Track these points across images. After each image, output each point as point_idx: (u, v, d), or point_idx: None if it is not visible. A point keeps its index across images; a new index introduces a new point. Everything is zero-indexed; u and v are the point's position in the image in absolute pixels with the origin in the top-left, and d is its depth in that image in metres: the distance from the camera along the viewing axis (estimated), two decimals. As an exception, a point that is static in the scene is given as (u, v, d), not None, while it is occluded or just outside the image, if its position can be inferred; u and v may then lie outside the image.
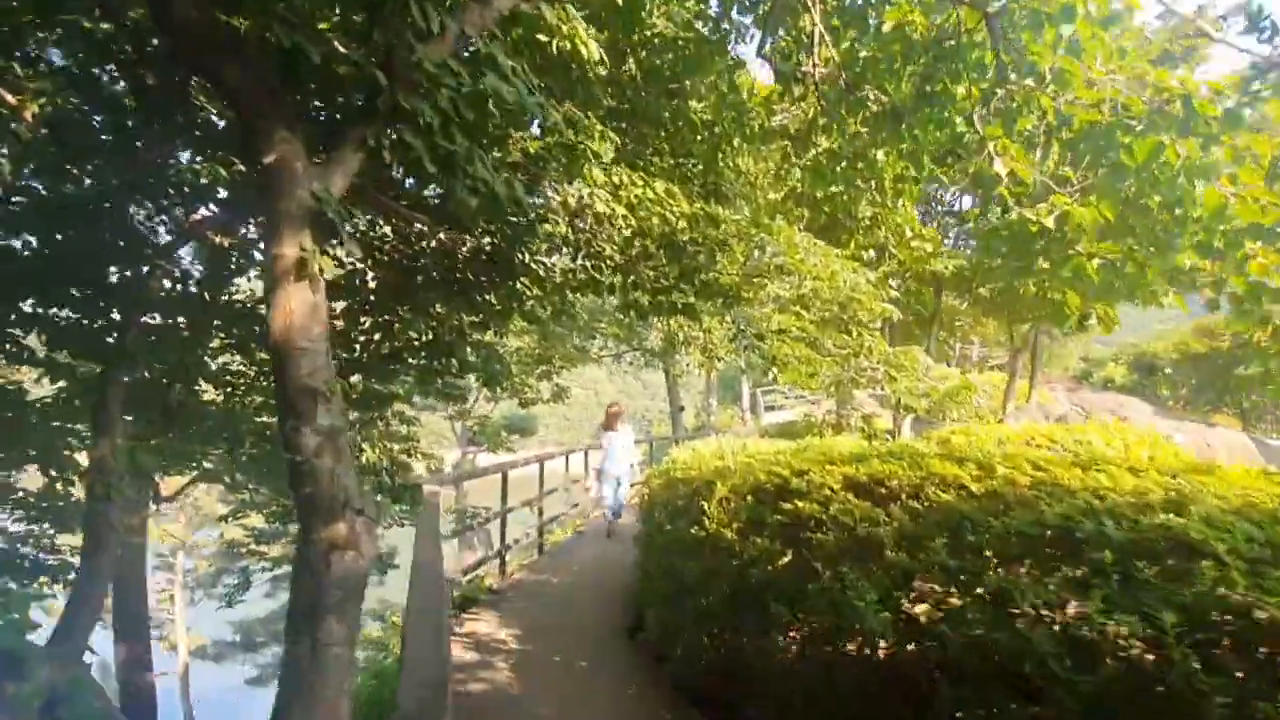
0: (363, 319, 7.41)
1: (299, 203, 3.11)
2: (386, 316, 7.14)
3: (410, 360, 7.70)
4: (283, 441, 3.19)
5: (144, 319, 6.57)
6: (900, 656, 3.72)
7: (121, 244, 6.26)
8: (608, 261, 5.71)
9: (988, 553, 3.43)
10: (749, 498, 5.32)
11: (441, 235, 6.92)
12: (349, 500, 3.11)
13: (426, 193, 6.94)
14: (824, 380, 7.21)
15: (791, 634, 4.41)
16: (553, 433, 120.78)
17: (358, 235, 6.98)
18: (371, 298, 7.42)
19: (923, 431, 17.66)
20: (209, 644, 34.01)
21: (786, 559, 4.54)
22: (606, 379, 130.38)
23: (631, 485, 13.13)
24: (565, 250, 6.11)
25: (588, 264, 5.94)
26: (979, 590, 3.31)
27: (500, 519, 9.54)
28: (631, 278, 5.70)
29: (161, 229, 6.65)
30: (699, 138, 5.87)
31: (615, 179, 5.12)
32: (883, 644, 3.81)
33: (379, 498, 8.29)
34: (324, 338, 3.24)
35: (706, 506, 5.64)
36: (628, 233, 5.34)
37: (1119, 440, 7.60)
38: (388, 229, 7.29)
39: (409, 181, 7.12)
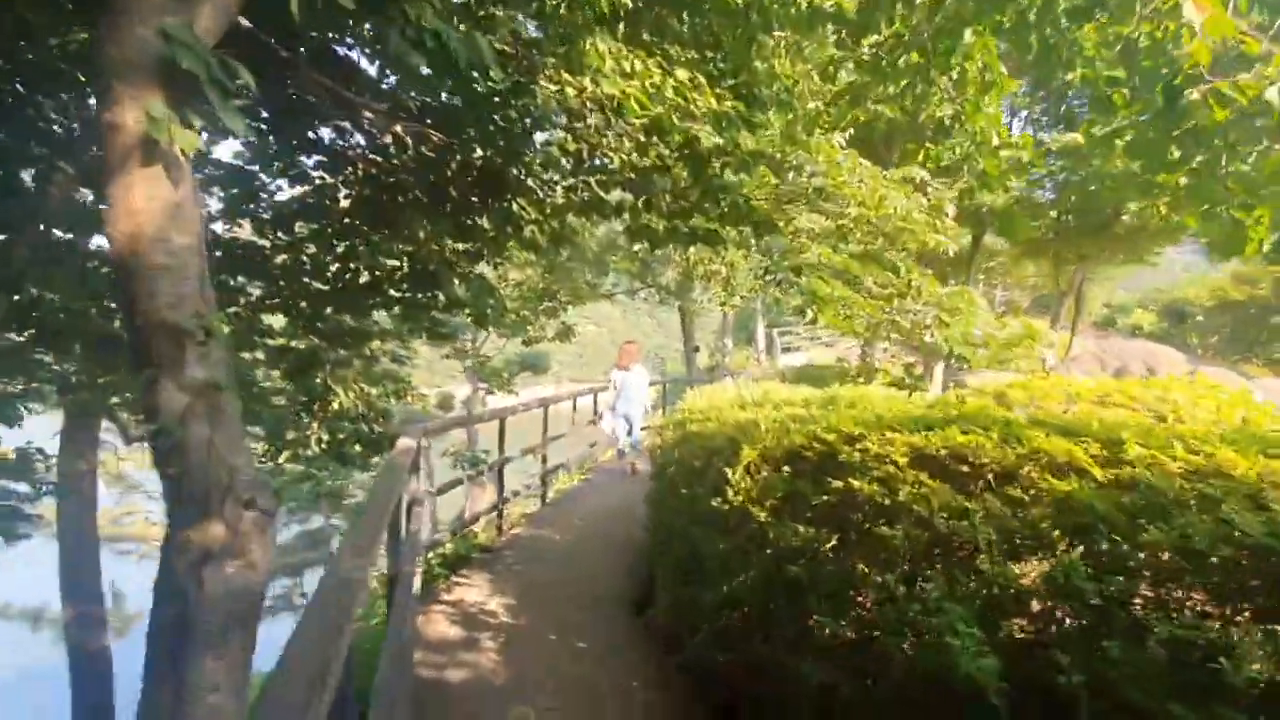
0: (336, 243, 6.40)
1: (142, 46, 2.08)
2: (361, 242, 6.13)
3: (392, 293, 6.73)
4: (143, 402, 2.23)
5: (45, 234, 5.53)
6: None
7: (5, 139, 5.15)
8: (615, 177, 4.66)
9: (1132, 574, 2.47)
10: (784, 468, 4.35)
11: (424, 147, 5.87)
12: (233, 486, 2.18)
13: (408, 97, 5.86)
14: (864, 324, 6.19)
15: (840, 647, 3.49)
16: (567, 369, 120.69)
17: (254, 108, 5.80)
18: (345, 220, 6.39)
19: (954, 381, 16.63)
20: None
21: (835, 553, 3.60)
22: (620, 316, 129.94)
23: (644, 428, 12.41)
24: (565, 162, 5.05)
25: (591, 180, 4.88)
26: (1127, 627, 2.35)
27: (498, 470, 8.66)
28: (644, 198, 4.66)
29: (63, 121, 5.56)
30: (730, 24, 4.71)
31: (626, 64, 4.04)
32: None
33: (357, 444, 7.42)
34: (194, 252, 2.24)
35: (730, 474, 4.69)
36: (640, 135, 4.29)
37: (1209, 399, 6.56)
38: (360, 138, 6.22)
39: (386, 82, 6.05)
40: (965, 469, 3.40)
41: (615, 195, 5.01)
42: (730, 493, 4.55)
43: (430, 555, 7.44)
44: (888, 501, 3.31)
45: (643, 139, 4.27)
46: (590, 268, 17.33)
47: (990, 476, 3.24)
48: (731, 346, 31.95)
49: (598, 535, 8.84)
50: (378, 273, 6.66)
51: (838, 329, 6.39)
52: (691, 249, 8.91)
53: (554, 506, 10.48)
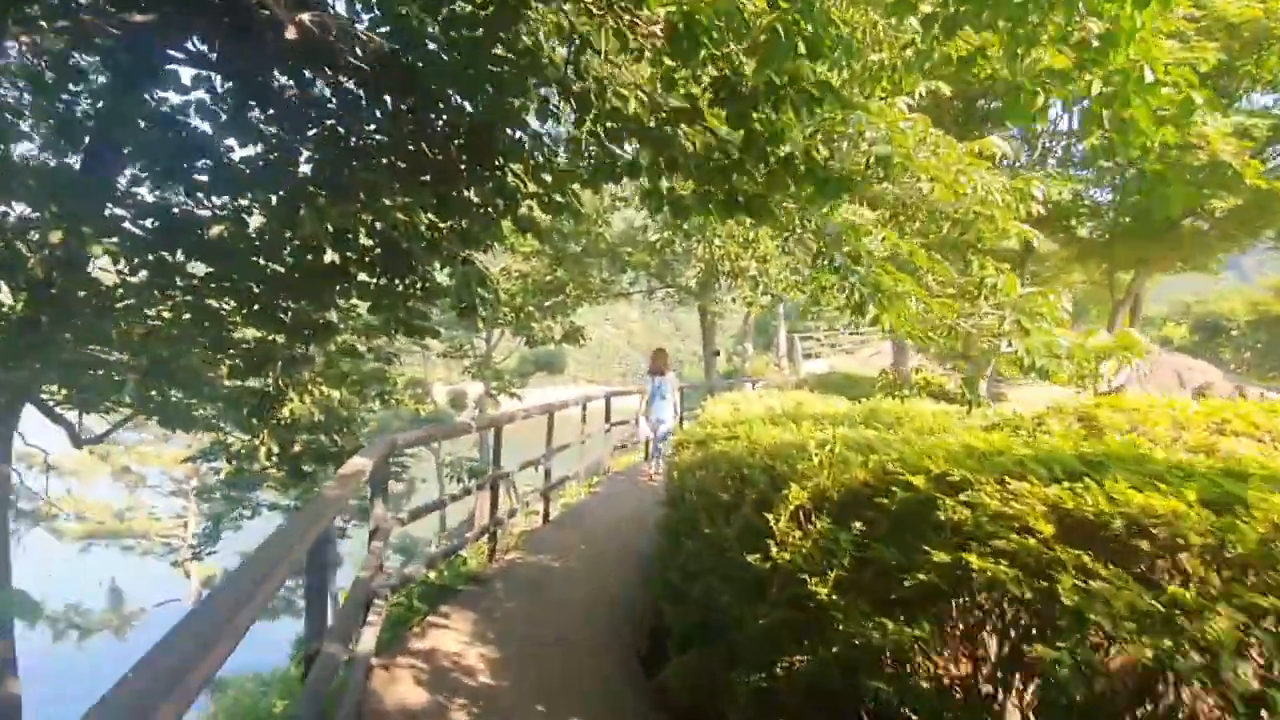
0: (296, 216, 5.32)
1: None
2: (319, 214, 5.04)
3: (363, 277, 5.65)
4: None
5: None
6: None
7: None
8: (630, 124, 3.55)
9: None
10: (851, 521, 3.21)
11: (400, 100, 4.80)
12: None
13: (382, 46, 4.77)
14: (936, 329, 5.02)
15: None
16: (583, 369, 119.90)
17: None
18: (308, 189, 5.31)
19: (996, 395, 15.34)
20: (219, 573, 33.38)
21: (951, 665, 2.46)
22: (638, 318, 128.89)
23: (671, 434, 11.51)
24: (567, 106, 3.94)
25: (600, 129, 3.75)
26: None
27: (490, 486, 7.56)
28: (665, 154, 3.54)
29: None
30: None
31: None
32: None
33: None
34: None
35: (771, 520, 3.56)
36: (663, 62, 3.19)
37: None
38: (325, 88, 5.14)
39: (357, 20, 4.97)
40: (1146, 545, 2.24)
41: (627, 153, 3.90)
42: (773, 547, 3.42)
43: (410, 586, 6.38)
44: (1037, 601, 2.16)
45: (667, 62, 3.17)
46: (605, 263, 16.20)
47: (1202, 566, 2.08)
48: (752, 351, 30.76)
49: (604, 562, 7.72)
50: (349, 254, 5.58)
51: (906, 335, 5.23)
52: (717, 240, 7.78)
53: (557, 525, 9.37)
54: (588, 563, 7.67)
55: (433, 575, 6.75)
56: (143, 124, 4.92)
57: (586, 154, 4.00)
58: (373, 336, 7.70)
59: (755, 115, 3.26)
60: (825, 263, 4.29)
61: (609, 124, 3.63)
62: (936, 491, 2.88)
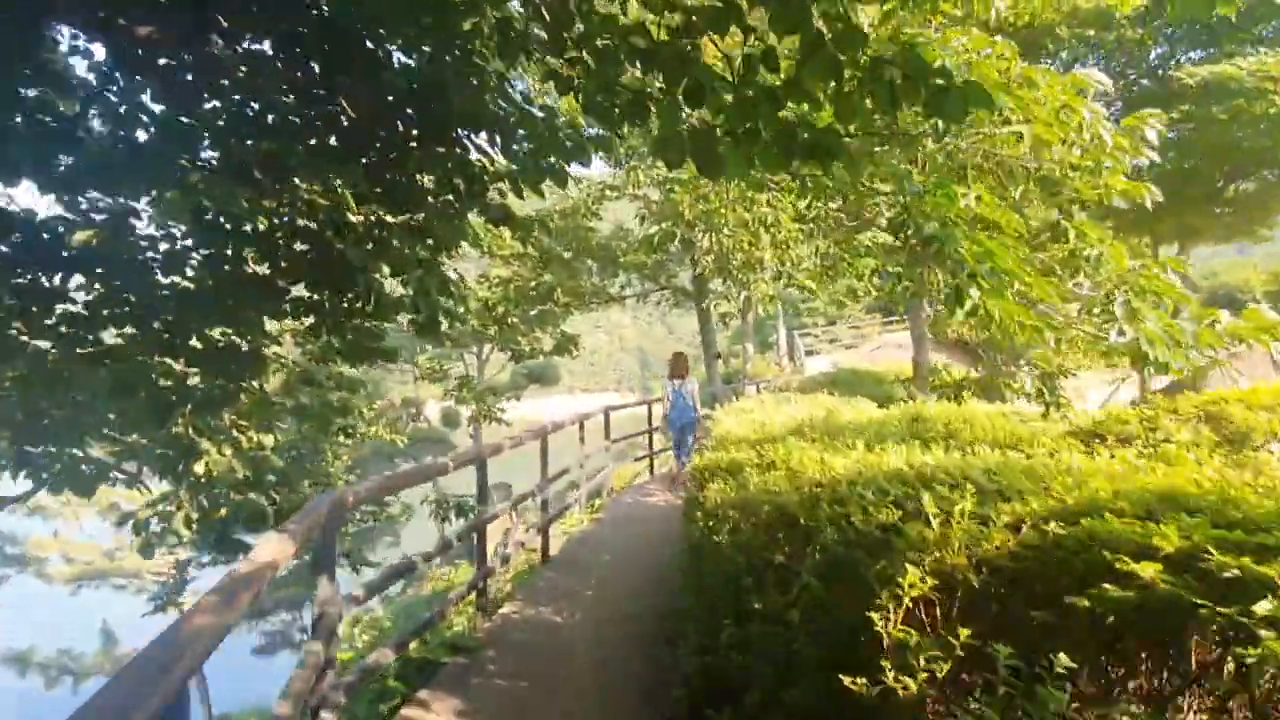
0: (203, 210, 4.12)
1: None
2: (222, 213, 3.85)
3: (298, 291, 4.46)
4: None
5: None
6: None
7: None
8: (632, 39, 2.41)
9: None
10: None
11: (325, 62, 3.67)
12: None
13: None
14: (1046, 322, 3.88)
15: None
16: (578, 379, 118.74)
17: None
18: (211, 166, 4.11)
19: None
20: (212, 612, 32.09)
21: None
22: (630, 323, 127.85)
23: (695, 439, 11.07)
24: (538, 30, 2.79)
25: (589, 57, 2.57)
26: None
27: (477, 533, 6.35)
28: (687, 76, 2.39)
29: None
30: None
31: None
32: None
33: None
34: None
35: (877, 619, 2.37)
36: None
37: None
38: (226, 44, 3.94)
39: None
40: None
41: (631, 81, 2.72)
42: (887, 669, 2.24)
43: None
44: None
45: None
46: (596, 266, 15.01)
47: None
48: (752, 352, 29.61)
49: (616, 616, 6.53)
50: (278, 262, 4.38)
51: (1020, 336, 4.05)
52: (726, 229, 6.60)
53: (558, 563, 8.17)
54: (596, 616, 6.47)
55: (411, 649, 5.53)
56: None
57: (566, 83, 2.83)
58: (334, 361, 6.49)
59: (817, 6, 2.15)
60: (910, 234, 3.14)
61: (601, 40, 2.49)
62: (1190, 592, 1.72)
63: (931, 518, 2.47)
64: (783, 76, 2.37)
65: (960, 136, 4.23)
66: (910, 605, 2.29)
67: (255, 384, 5.12)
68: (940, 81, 2.24)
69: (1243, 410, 4.76)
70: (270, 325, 5.26)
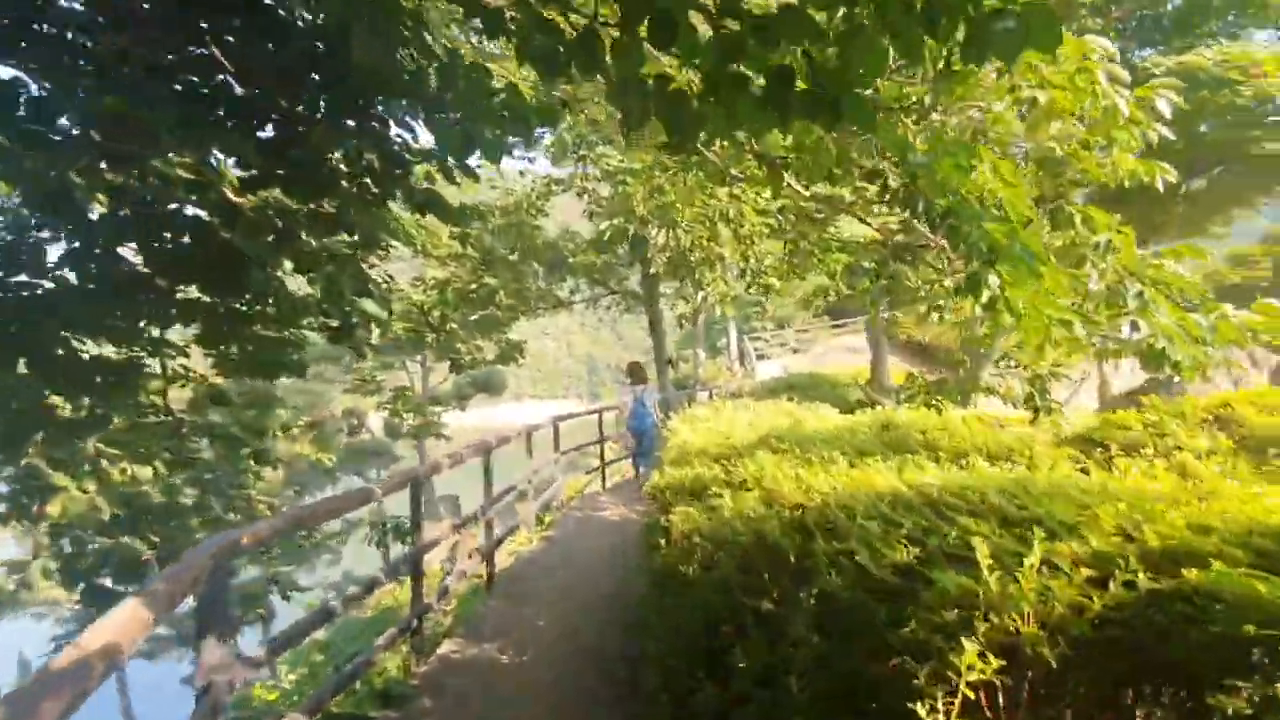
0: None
1: None
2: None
3: (189, 291, 3.72)
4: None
5: None
6: None
7: None
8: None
9: None
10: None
11: None
12: None
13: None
14: (1062, 316, 3.42)
15: None
16: (526, 386, 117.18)
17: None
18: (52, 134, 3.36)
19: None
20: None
21: None
22: (579, 329, 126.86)
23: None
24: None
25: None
26: None
27: (412, 564, 5.64)
28: (652, 5, 1.86)
29: None
30: None
31: None
32: None
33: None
34: None
35: (923, 712, 1.80)
36: None
37: None
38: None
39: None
40: None
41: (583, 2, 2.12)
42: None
43: None
44: None
45: None
46: (543, 269, 14.27)
47: None
48: (704, 357, 29.19)
49: (573, 648, 5.89)
50: (157, 257, 3.63)
51: (1032, 336, 3.56)
52: (682, 225, 6.02)
53: (504, 591, 7.49)
54: (549, 654, 5.82)
55: (334, 702, 4.80)
56: None
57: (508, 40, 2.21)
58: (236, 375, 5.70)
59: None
60: (921, 211, 2.60)
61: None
62: None
63: (987, 568, 1.90)
64: (777, 3, 1.81)
65: (950, 111, 3.74)
66: (967, 691, 1.73)
67: (136, 403, 4.34)
68: (994, 2, 1.69)
69: (1255, 413, 4.36)
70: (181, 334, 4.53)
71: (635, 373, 11.34)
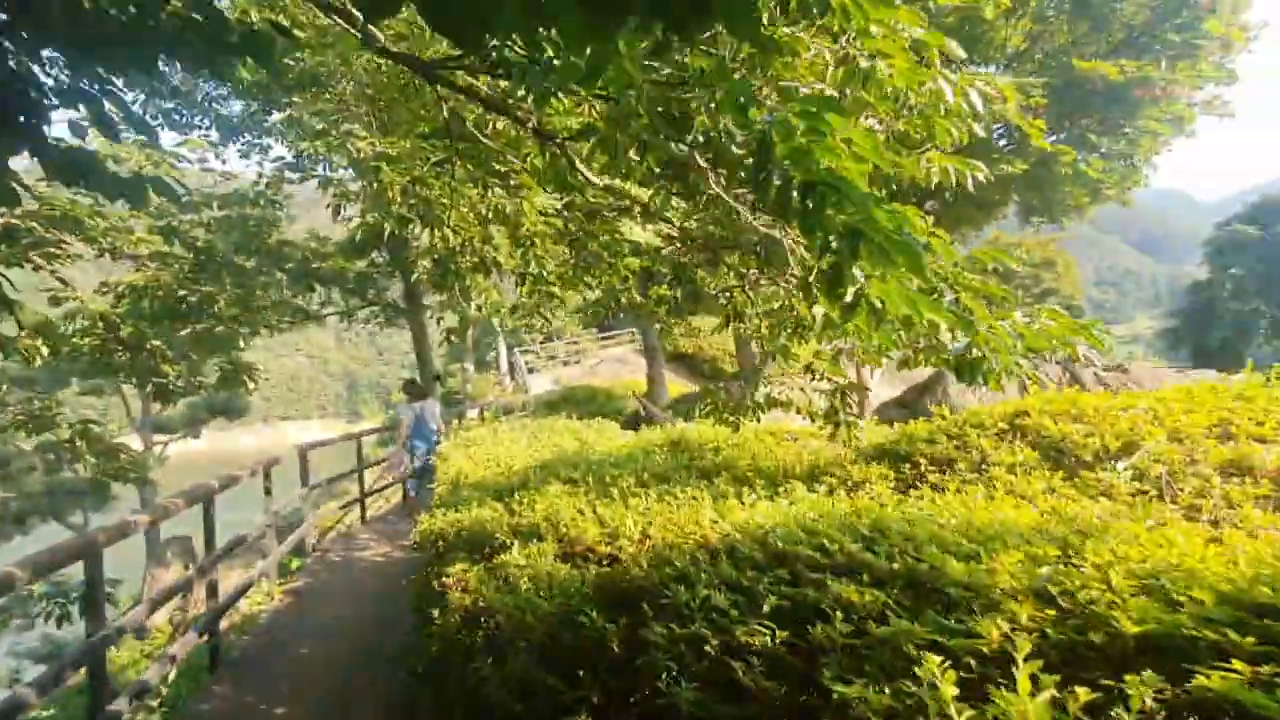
0: None
1: None
2: None
3: None
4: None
5: None
6: None
7: None
8: None
9: None
10: None
11: None
12: None
13: None
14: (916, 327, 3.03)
15: None
16: (275, 408, 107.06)
17: None
18: None
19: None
20: None
21: None
22: (335, 345, 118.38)
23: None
24: None
25: None
26: None
27: (91, 665, 4.18)
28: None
29: None
30: None
31: None
32: None
33: None
34: None
35: None
36: None
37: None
38: None
39: None
40: None
41: None
42: None
43: None
44: None
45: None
46: (286, 277, 12.31)
47: None
48: (472, 371, 27.87)
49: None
50: None
51: (886, 342, 3.11)
52: (449, 223, 5.09)
53: (235, 671, 6.06)
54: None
55: None
56: None
57: None
58: None
59: None
60: (770, 188, 1.98)
61: None
62: None
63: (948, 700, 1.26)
64: None
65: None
66: None
67: None
68: None
69: (1051, 421, 4.32)
70: None
71: (413, 389, 10.99)
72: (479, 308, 6.15)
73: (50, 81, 2.71)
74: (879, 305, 2.36)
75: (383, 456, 17.58)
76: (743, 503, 3.45)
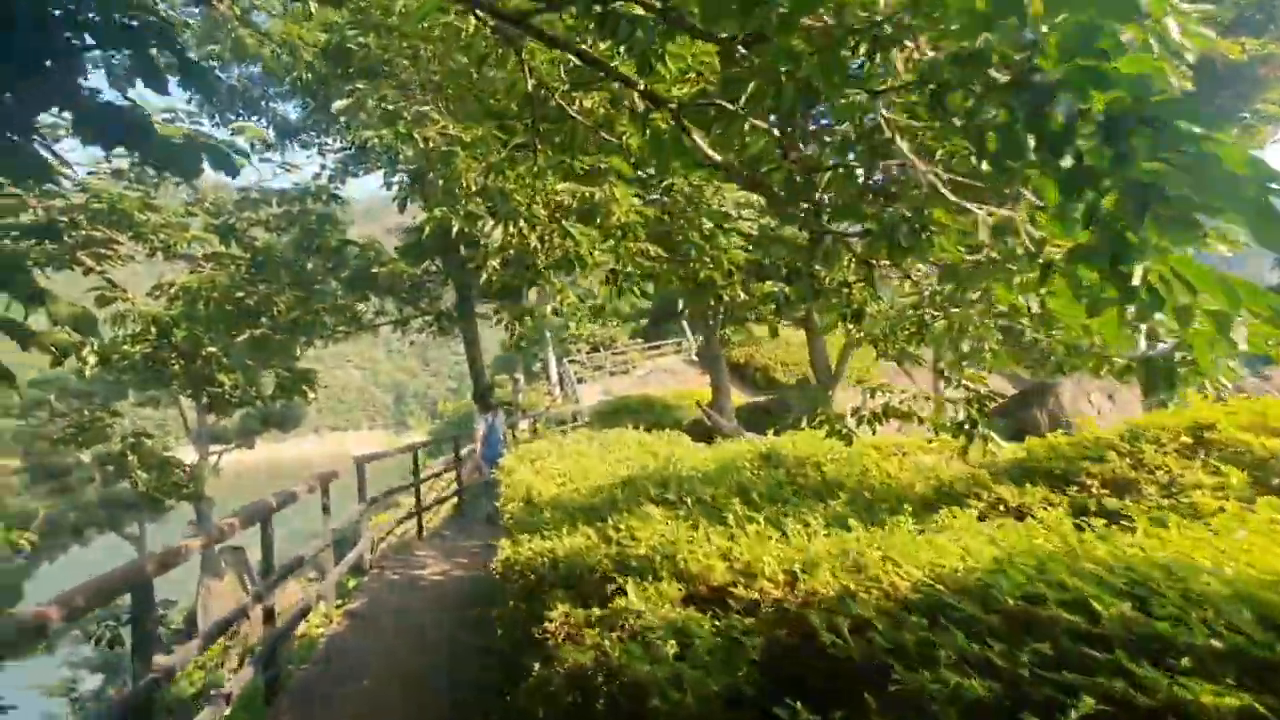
0: None
1: None
2: None
3: None
4: None
5: None
6: None
7: None
8: None
9: None
10: None
11: None
12: None
13: None
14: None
15: None
16: (325, 418, 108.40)
17: None
18: None
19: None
20: None
21: None
22: (385, 357, 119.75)
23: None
24: None
25: None
26: None
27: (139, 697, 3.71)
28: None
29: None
30: None
31: None
32: None
33: None
34: None
35: None
36: None
37: None
38: None
39: None
40: None
41: None
42: None
43: None
44: None
45: None
46: (341, 286, 11.94)
47: None
48: (524, 382, 27.50)
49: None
50: None
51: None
52: (522, 217, 4.57)
53: (293, 704, 5.58)
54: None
55: None
56: None
57: None
58: None
59: None
60: (1036, 120, 1.40)
61: None
62: None
63: None
64: None
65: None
66: None
67: None
68: None
69: (1253, 436, 3.59)
70: None
71: (485, 400, 11.71)
72: (554, 310, 5.62)
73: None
74: (1169, 285, 1.74)
75: (435, 470, 17.22)
76: (870, 531, 2.83)
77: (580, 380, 30.65)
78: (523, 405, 25.08)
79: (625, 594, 2.85)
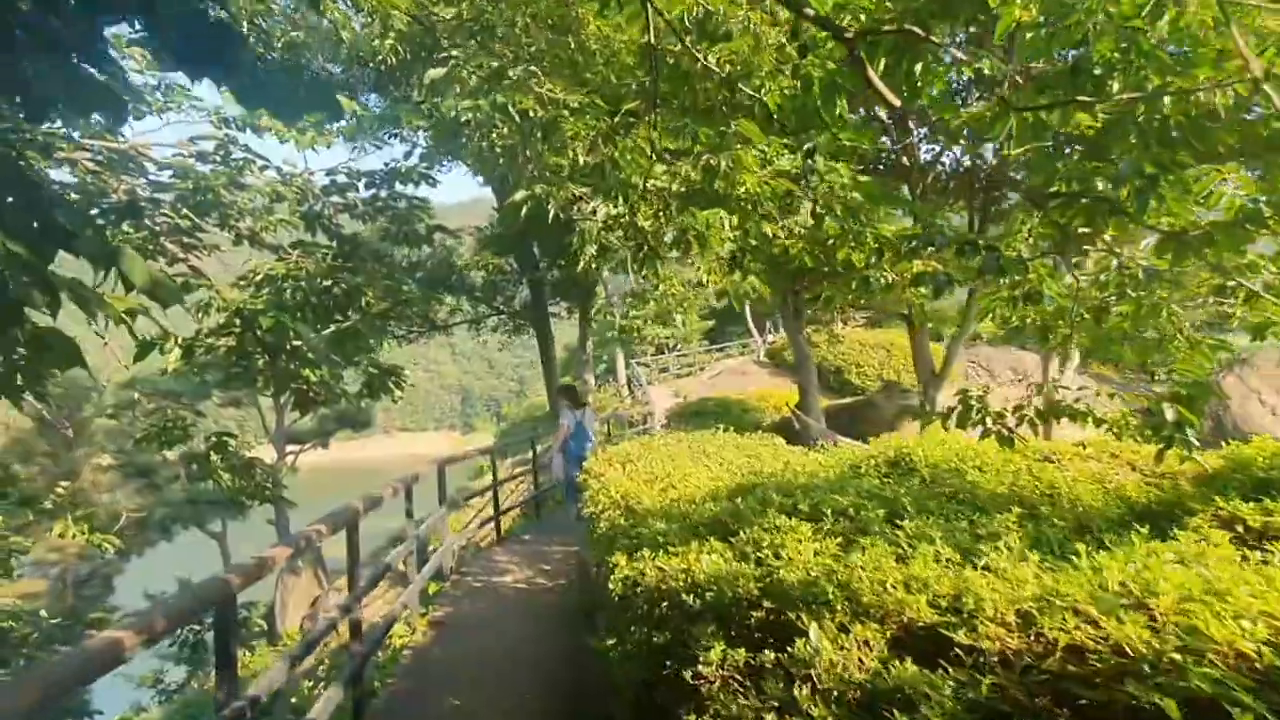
0: None
1: None
2: None
3: None
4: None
5: None
6: None
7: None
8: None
9: None
10: None
11: None
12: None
13: None
14: None
15: None
16: (393, 419, 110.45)
17: None
18: None
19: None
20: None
21: None
22: (450, 359, 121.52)
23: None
24: None
25: None
26: None
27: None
28: None
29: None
30: None
31: None
32: None
33: None
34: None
35: None
36: None
37: None
38: None
39: None
40: None
41: None
42: None
43: None
44: None
45: None
46: (417, 287, 11.67)
47: None
48: (594, 383, 27.10)
49: None
50: None
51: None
52: (639, 184, 4.03)
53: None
54: None
55: None
56: None
57: None
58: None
59: None
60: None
61: None
62: None
63: None
64: None
65: None
66: None
67: None
68: None
69: None
70: None
71: (572, 395, 11.03)
72: (656, 300, 5.07)
73: None
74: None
75: (510, 472, 16.90)
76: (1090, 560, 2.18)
77: (649, 382, 30.13)
78: (593, 406, 24.67)
79: (784, 628, 2.27)
